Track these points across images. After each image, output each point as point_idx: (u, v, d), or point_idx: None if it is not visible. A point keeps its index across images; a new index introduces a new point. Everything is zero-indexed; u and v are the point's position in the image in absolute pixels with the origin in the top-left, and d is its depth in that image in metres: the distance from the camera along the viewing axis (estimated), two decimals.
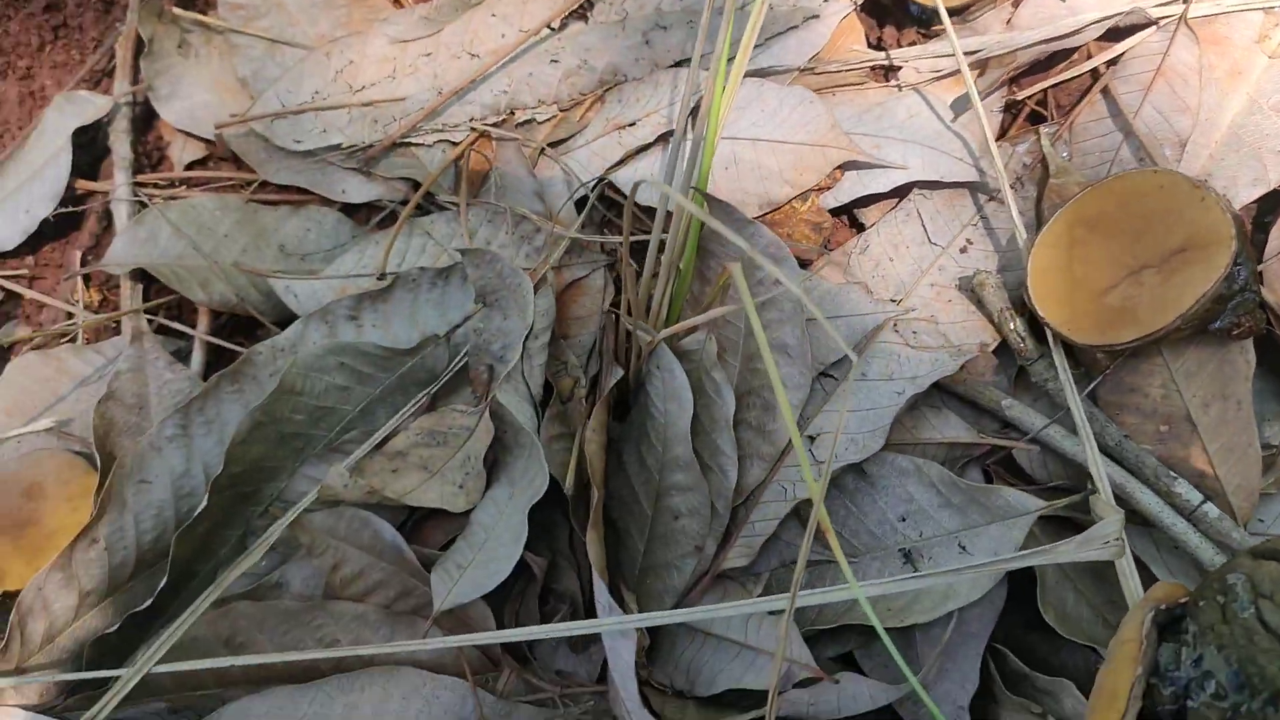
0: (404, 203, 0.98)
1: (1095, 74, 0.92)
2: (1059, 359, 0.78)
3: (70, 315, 0.97)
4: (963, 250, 0.86)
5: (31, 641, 0.76)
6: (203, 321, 0.95)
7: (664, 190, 0.72)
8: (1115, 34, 0.92)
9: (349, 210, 0.99)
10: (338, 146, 0.98)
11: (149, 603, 0.76)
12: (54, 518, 0.79)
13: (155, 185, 1.01)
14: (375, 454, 0.82)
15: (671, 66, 0.98)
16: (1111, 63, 0.91)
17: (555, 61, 0.99)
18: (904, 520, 0.78)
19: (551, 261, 0.88)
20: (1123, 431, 0.78)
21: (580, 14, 1.01)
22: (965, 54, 0.91)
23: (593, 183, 0.94)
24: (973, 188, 0.88)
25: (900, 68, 0.94)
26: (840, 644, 0.79)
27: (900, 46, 0.97)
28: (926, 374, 0.80)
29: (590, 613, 0.83)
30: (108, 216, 1.02)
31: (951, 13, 0.92)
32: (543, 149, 0.98)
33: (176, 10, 1.06)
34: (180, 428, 0.82)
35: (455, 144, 0.99)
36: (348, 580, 0.80)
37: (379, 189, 0.98)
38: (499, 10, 1.00)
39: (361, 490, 0.78)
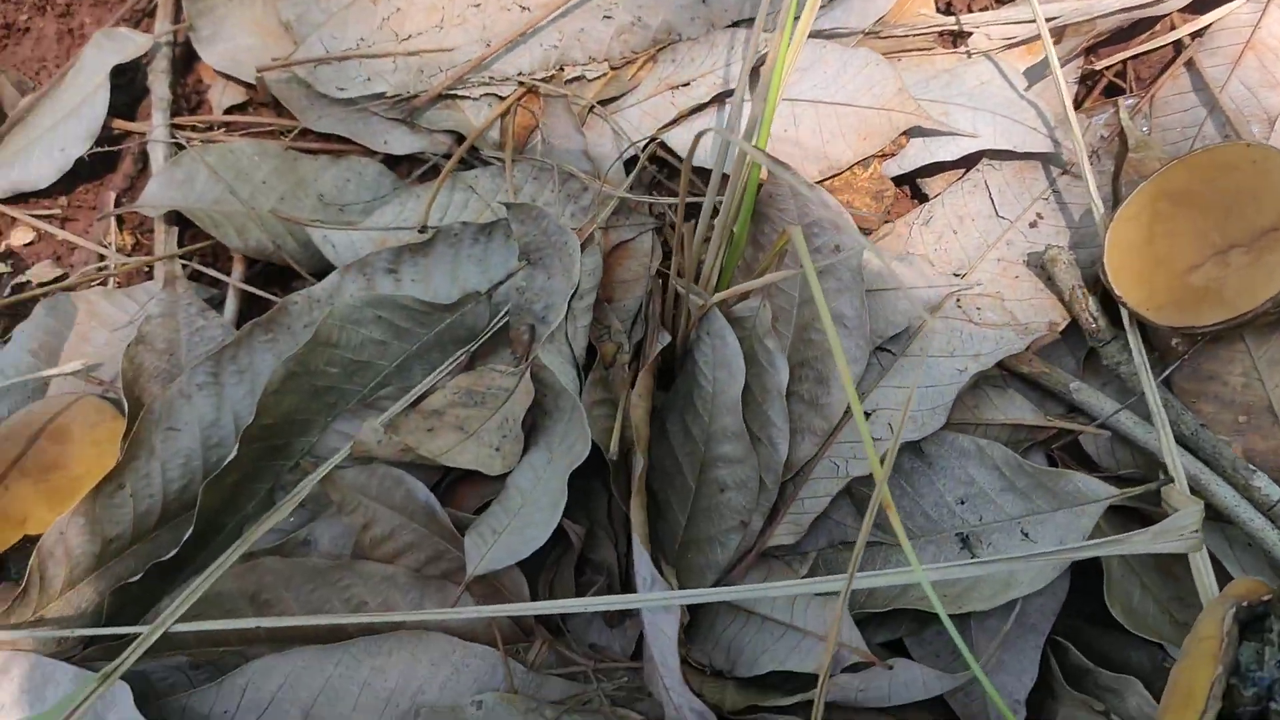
0: (447, 156, 0.95)
1: (1179, 46, 0.88)
2: (1134, 340, 0.74)
3: (102, 258, 0.95)
4: (1032, 225, 0.82)
5: (51, 587, 0.73)
6: (237, 269, 0.92)
7: (730, 139, 0.69)
8: (1201, 4, 0.88)
9: (390, 162, 0.96)
10: (381, 95, 0.95)
11: (174, 553, 0.74)
12: (80, 462, 0.76)
13: (193, 128, 0.99)
14: (410, 412, 0.79)
15: (728, 27, 0.94)
16: (1197, 34, 0.87)
17: (608, 18, 0.96)
18: (963, 503, 0.74)
19: (600, 220, 0.84)
20: (1199, 420, 0.74)
21: None
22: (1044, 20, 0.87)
23: (644, 141, 0.90)
24: (1045, 160, 0.84)
25: (970, 34, 0.90)
26: (890, 630, 0.75)
27: (971, 11, 0.93)
28: (991, 351, 0.76)
29: (627, 585, 0.80)
30: (143, 158, 0.99)
31: None
32: (592, 107, 0.94)
33: None
34: (211, 375, 0.79)
35: (502, 98, 0.95)
36: (378, 540, 0.77)
37: (422, 141, 0.95)
38: None
39: (395, 448, 0.75)
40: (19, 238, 0.97)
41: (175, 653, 0.75)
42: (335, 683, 0.73)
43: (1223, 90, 0.82)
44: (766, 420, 0.75)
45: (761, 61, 0.87)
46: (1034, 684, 0.71)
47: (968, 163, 0.85)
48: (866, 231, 0.84)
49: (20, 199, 0.98)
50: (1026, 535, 0.72)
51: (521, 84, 0.95)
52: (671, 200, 0.88)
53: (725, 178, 0.79)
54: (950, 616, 0.71)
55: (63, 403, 0.80)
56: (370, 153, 0.96)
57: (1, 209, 0.97)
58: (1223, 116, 0.82)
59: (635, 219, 0.88)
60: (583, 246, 0.81)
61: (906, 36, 0.91)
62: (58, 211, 0.98)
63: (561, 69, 0.96)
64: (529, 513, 0.75)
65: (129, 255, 0.95)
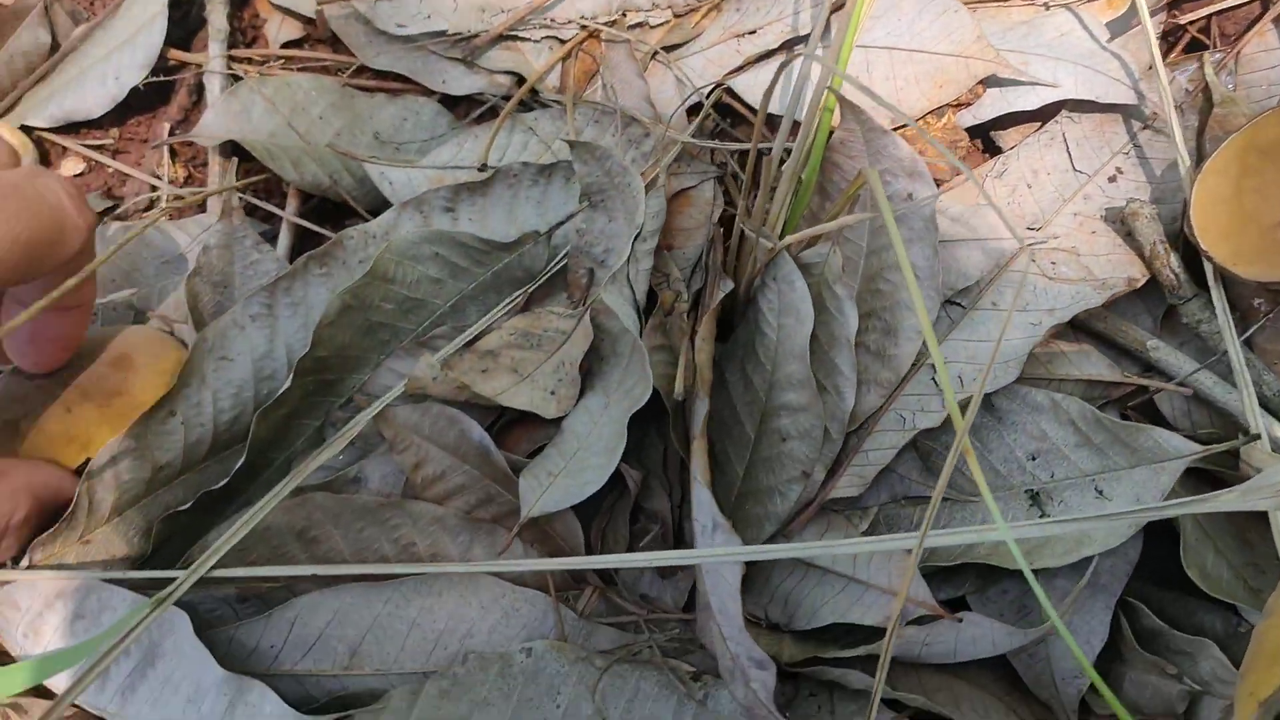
0: (505, 98, 0.93)
1: (1266, 2, 0.85)
2: (1218, 297, 0.72)
3: (154, 189, 0.93)
4: (1111, 179, 0.80)
5: (99, 511, 0.72)
6: (291, 203, 0.91)
7: (821, 62, 0.67)
8: None
9: (448, 103, 0.95)
10: (442, 33, 0.93)
11: (224, 484, 0.72)
12: (144, 390, 0.75)
13: (249, 62, 0.97)
14: (465, 352, 0.77)
15: None
16: None
17: None
18: (1034, 459, 0.72)
19: (664, 164, 0.83)
20: None
21: None
22: None
23: (709, 87, 0.88)
24: (1126, 113, 0.81)
25: None
26: (953, 587, 0.74)
27: None
28: (1066, 306, 0.74)
29: (679, 535, 0.78)
30: (198, 91, 0.97)
31: None
32: (655, 53, 0.92)
33: None
34: (265, 306, 0.78)
35: (563, 41, 0.94)
36: (429, 480, 0.75)
37: (481, 81, 0.93)
38: None
39: (450, 385, 0.73)
40: (69, 168, 0.96)
41: (223, 584, 0.74)
42: (383, 621, 0.72)
43: None
44: (833, 368, 0.73)
45: (838, 6, 0.85)
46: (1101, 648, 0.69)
47: (1044, 115, 0.83)
48: (939, 182, 0.82)
49: (71, 129, 0.97)
50: (1100, 493, 0.70)
51: (583, 28, 0.93)
52: (740, 146, 0.85)
53: (796, 124, 0.77)
54: (1017, 573, 0.70)
55: (123, 332, 0.78)
56: (428, 92, 0.95)
57: (53, 138, 0.96)
58: None
59: (697, 167, 0.86)
60: (647, 188, 0.79)
61: None
62: (109, 142, 0.96)
63: (624, 14, 0.94)
64: (585, 456, 0.73)
65: (181, 188, 0.94)
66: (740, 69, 0.89)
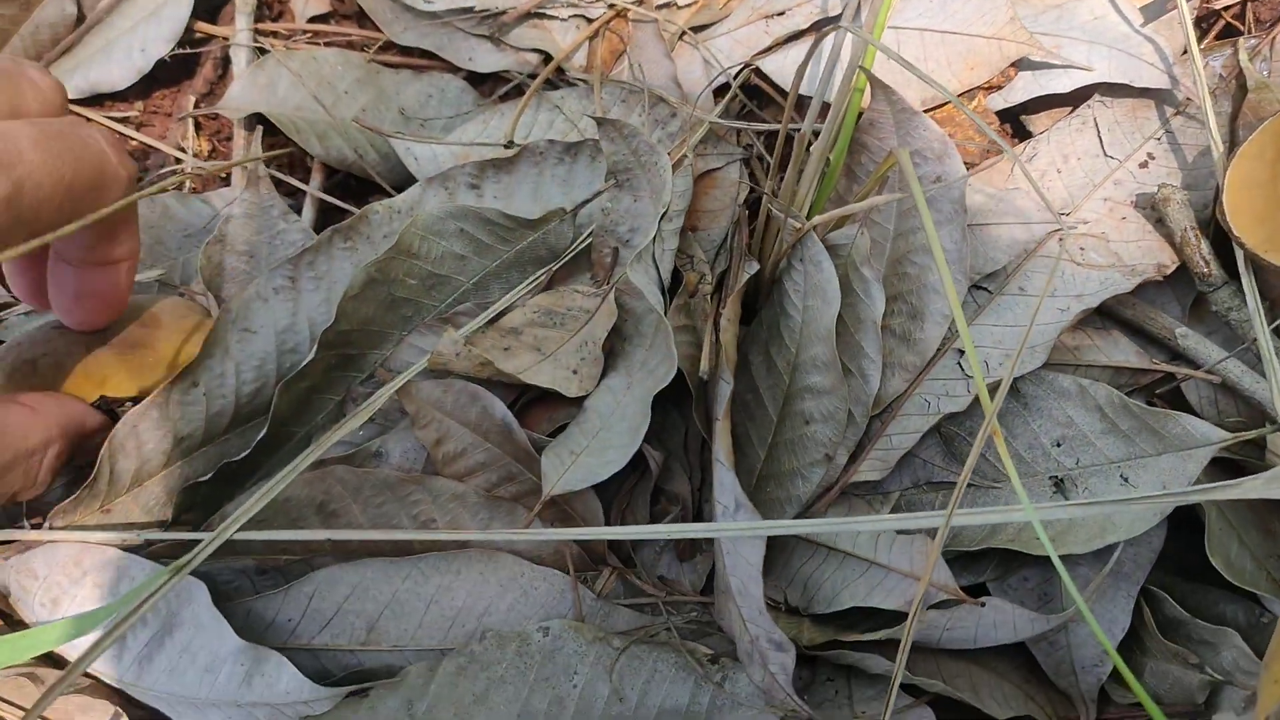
0: (532, 76, 0.93)
1: None
2: (1249, 284, 0.71)
3: (178, 161, 0.93)
4: (1142, 165, 0.79)
5: (120, 481, 0.72)
6: (316, 177, 0.91)
7: (858, 34, 0.66)
8: None
9: (473, 80, 0.95)
10: (469, 10, 0.92)
11: (244, 455, 0.72)
12: (167, 346, 0.75)
13: (275, 35, 0.97)
14: (488, 329, 0.77)
15: None
16: None
17: None
18: (1059, 445, 0.72)
19: (691, 144, 0.82)
20: None
21: None
22: None
23: (737, 67, 0.88)
24: (1159, 99, 0.80)
25: None
26: (974, 573, 0.73)
27: None
28: (1095, 292, 0.73)
29: (699, 519, 0.78)
30: (223, 64, 0.97)
31: None
32: (682, 33, 0.92)
33: None
34: (289, 279, 0.78)
35: (590, 20, 0.93)
36: (450, 457, 0.75)
37: (507, 59, 0.93)
38: None
39: (473, 361, 0.73)
40: None
41: (241, 557, 0.74)
42: (402, 597, 0.72)
43: None
44: (859, 351, 0.73)
45: None
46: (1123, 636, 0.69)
47: (1076, 99, 0.82)
48: (968, 165, 0.81)
49: (96, 101, 0.97)
50: (1126, 480, 0.69)
51: (611, 6, 0.93)
52: (768, 126, 0.85)
53: (824, 107, 0.77)
54: (1043, 559, 0.69)
55: (154, 298, 0.79)
56: (453, 69, 0.94)
57: (78, 110, 0.96)
58: None
59: (723, 148, 0.86)
60: (674, 167, 0.78)
61: None
62: (134, 115, 0.96)
63: None
64: (608, 436, 0.73)
65: (205, 161, 0.94)
66: (768, 50, 0.89)
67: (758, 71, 0.88)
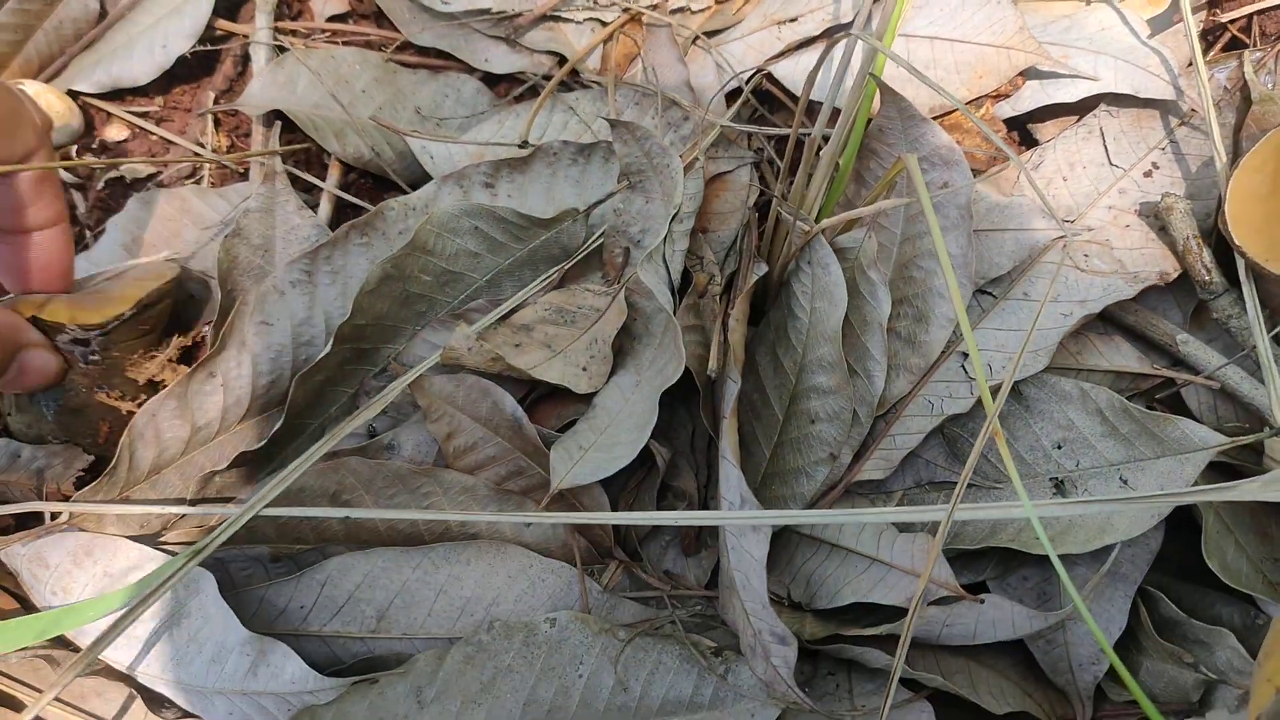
0: (546, 78, 0.94)
1: None
2: (1249, 293, 0.72)
3: (197, 156, 0.94)
4: (1147, 174, 0.80)
5: (139, 469, 0.74)
6: (333, 174, 0.92)
7: (868, 41, 0.67)
8: None
9: (489, 81, 0.96)
10: (486, 12, 0.94)
11: (261, 445, 0.74)
12: (120, 290, 0.76)
13: (294, 34, 0.98)
14: (500, 325, 0.78)
15: None
16: None
17: None
18: (1059, 448, 0.73)
19: (702, 147, 0.83)
20: None
21: None
22: None
23: (749, 72, 0.89)
24: (1164, 109, 0.82)
25: None
26: (974, 572, 0.74)
27: None
28: (1098, 298, 0.75)
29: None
30: (243, 61, 0.99)
31: None
32: (696, 38, 0.93)
33: None
34: (305, 273, 0.79)
35: (605, 23, 0.95)
36: (461, 451, 0.76)
37: (523, 61, 0.95)
38: None
39: (485, 356, 0.74)
40: (113, 134, 0.97)
41: (255, 544, 0.75)
42: (412, 586, 0.73)
43: None
44: (864, 352, 0.74)
45: None
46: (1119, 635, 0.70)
47: (1082, 109, 0.83)
48: (975, 172, 0.82)
49: (117, 96, 0.98)
50: (1125, 482, 0.70)
51: (625, 10, 0.94)
52: (779, 131, 0.86)
53: (835, 112, 0.78)
54: (1042, 559, 0.71)
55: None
56: (469, 70, 0.96)
57: (98, 104, 0.97)
58: None
59: (734, 152, 0.87)
60: (685, 170, 0.80)
61: None
62: (154, 110, 0.98)
63: None
64: (616, 431, 0.74)
65: (224, 156, 0.95)
66: (780, 56, 0.90)
67: (769, 77, 0.90)
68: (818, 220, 0.78)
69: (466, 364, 0.76)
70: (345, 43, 0.98)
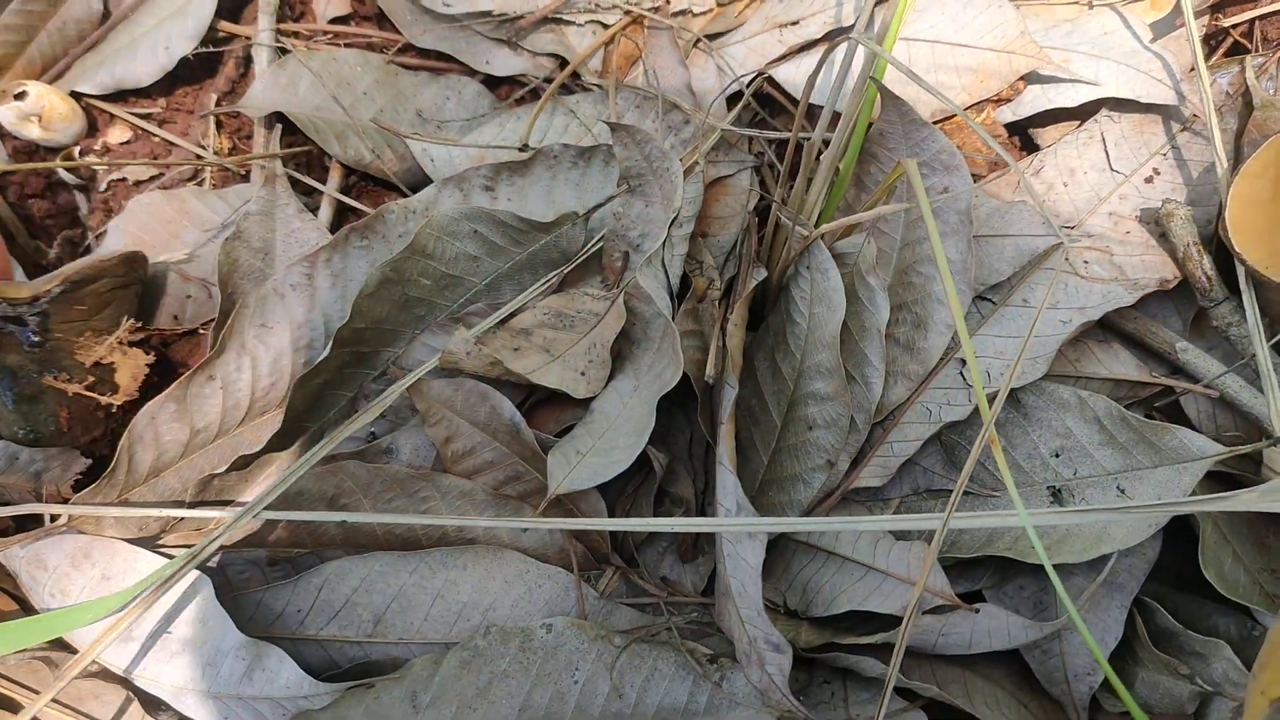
0: (548, 80, 0.94)
1: None
2: (1249, 300, 0.72)
3: (199, 158, 0.95)
4: (1148, 180, 0.80)
5: (138, 472, 0.74)
6: (334, 177, 0.92)
7: (868, 46, 0.67)
8: None
9: (490, 83, 0.96)
10: (488, 14, 0.94)
11: (259, 449, 0.74)
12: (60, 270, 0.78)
13: (296, 36, 0.98)
14: (498, 329, 0.78)
15: None
16: None
17: None
18: (1057, 456, 0.73)
19: (702, 151, 0.83)
20: None
21: None
22: None
23: (750, 75, 0.89)
24: (1166, 115, 0.81)
25: None
26: (970, 580, 0.74)
27: None
28: (1097, 305, 0.74)
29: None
30: (245, 63, 0.99)
31: None
32: (697, 41, 0.93)
33: None
34: (305, 276, 0.79)
35: (606, 26, 0.94)
36: (459, 455, 0.76)
37: (524, 63, 0.94)
38: None
39: (484, 360, 0.74)
40: (116, 135, 0.97)
41: (253, 548, 0.75)
42: (409, 591, 0.73)
43: None
44: (862, 359, 0.74)
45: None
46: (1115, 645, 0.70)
47: (1084, 114, 0.83)
48: (976, 177, 0.82)
49: (120, 97, 0.98)
50: (1123, 491, 0.70)
51: (627, 13, 0.94)
52: (779, 135, 0.86)
53: (835, 116, 0.78)
54: (1039, 568, 0.70)
55: None
56: (471, 72, 0.96)
57: (101, 105, 0.97)
58: None
59: (735, 155, 0.87)
60: (685, 174, 0.80)
61: None
62: (157, 111, 0.98)
63: (668, 1, 0.94)
64: (614, 437, 0.74)
65: (226, 158, 0.95)
66: (781, 59, 0.90)
67: (770, 80, 0.89)
68: (817, 225, 0.78)
69: (465, 368, 0.76)
70: (347, 44, 0.98)
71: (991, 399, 0.72)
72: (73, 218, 0.95)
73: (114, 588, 0.71)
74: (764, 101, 0.91)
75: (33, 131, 0.93)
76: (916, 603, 0.64)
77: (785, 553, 0.76)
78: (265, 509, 0.70)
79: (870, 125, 0.78)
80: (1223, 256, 0.75)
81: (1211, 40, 0.88)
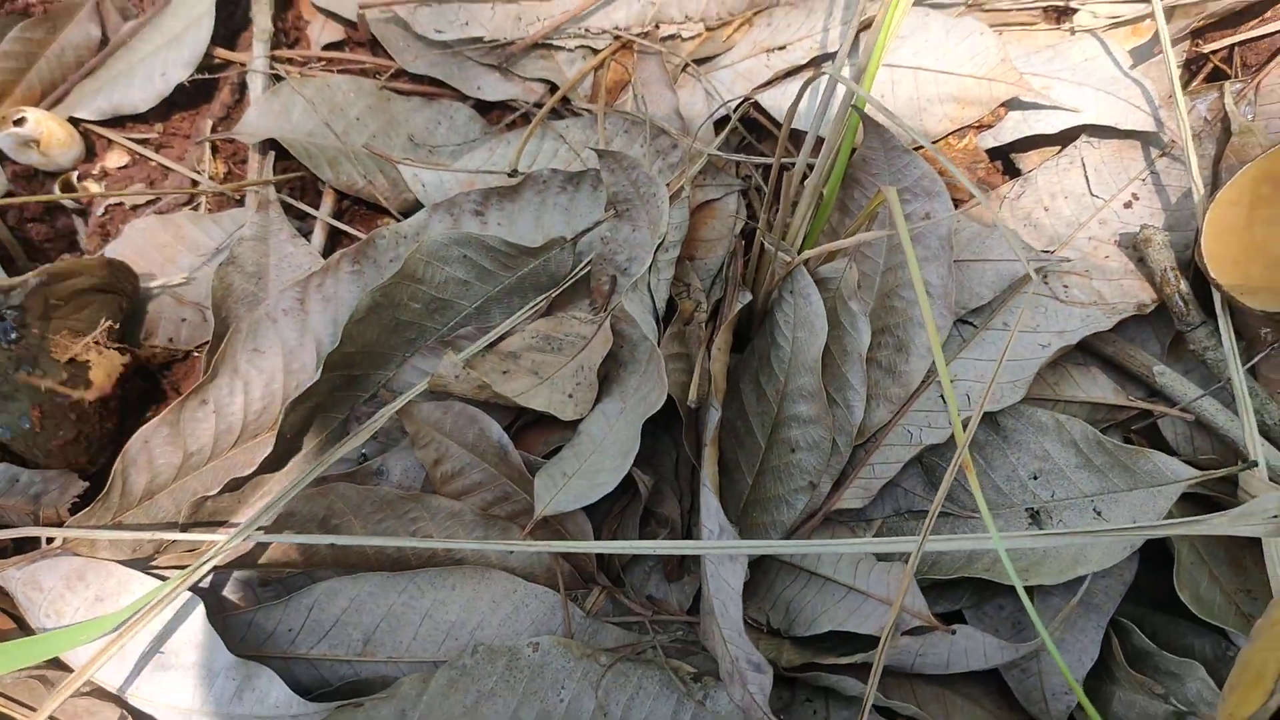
0: (538, 105, 0.95)
1: None
2: (1224, 325, 0.73)
3: (195, 183, 0.96)
4: (1127, 205, 0.81)
5: (131, 494, 0.75)
6: (327, 203, 0.94)
7: (842, 81, 0.68)
8: None
9: (481, 108, 0.97)
10: (479, 40, 0.95)
11: (251, 472, 0.75)
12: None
13: (290, 62, 1.00)
14: (487, 352, 0.80)
15: None
16: None
17: None
18: (1035, 479, 0.74)
19: (689, 176, 0.84)
20: None
21: None
22: None
23: (737, 101, 0.90)
24: (1145, 140, 0.82)
25: (1076, 10, 0.89)
26: (950, 601, 0.75)
27: None
28: (1076, 329, 0.75)
29: (689, 540, 0.80)
30: (240, 90, 1.00)
31: None
32: (685, 65, 0.94)
33: None
34: (297, 301, 0.80)
35: (596, 51, 0.96)
36: (448, 476, 0.78)
37: (515, 89, 0.96)
38: None
39: (472, 383, 0.76)
40: (114, 160, 0.99)
41: (245, 568, 0.76)
42: (398, 610, 0.74)
43: None
44: (844, 382, 0.75)
45: (866, 25, 0.86)
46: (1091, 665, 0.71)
47: (1065, 139, 0.84)
48: (958, 202, 0.83)
49: (117, 123, 1.00)
50: (1099, 513, 0.71)
51: (616, 38, 0.95)
52: (762, 160, 0.87)
53: (819, 141, 0.79)
54: (1013, 589, 0.71)
55: None
56: (462, 97, 0.97)
57: (99, 131, 0.99)
58: None
59: (722, 179, 0.88)
60: (671, 199, 0.81)
61: (1010, 10, 0.90)
62: (153, 136, 0.99)
63: (657, 26, 0.96)
64: (599, 459, 0.75)
65: (221, 183, 0.97)
66: (768, 84, 0.91)
67: (756, 105, 0.91)
68: (801, 250, 0.79)
69: (454, 391, 0.77)
70: (341, 70, 0.99)
71: (969, 423, 0.73)
72: (71, 241, 0.96)
73: (108, 609, 0.72)
74: (751, 126, 0.93)
75: (32, 157, 0.95)
76: (894, 624, 0.65)
77: (769, 573, 0.78)
78: (257, 530, 0.71)
79: (854, 151, 0.79)
80: (1200, 281, 0.76)
81: (1192, 65, 0.89)
